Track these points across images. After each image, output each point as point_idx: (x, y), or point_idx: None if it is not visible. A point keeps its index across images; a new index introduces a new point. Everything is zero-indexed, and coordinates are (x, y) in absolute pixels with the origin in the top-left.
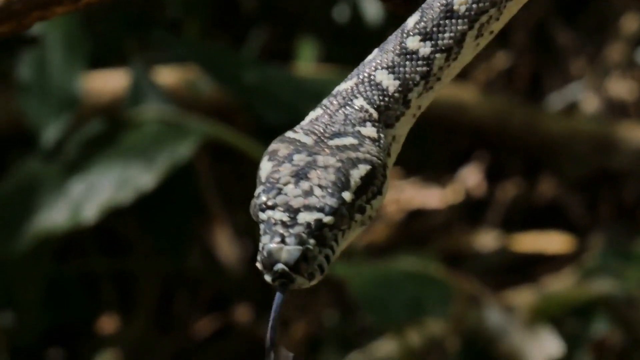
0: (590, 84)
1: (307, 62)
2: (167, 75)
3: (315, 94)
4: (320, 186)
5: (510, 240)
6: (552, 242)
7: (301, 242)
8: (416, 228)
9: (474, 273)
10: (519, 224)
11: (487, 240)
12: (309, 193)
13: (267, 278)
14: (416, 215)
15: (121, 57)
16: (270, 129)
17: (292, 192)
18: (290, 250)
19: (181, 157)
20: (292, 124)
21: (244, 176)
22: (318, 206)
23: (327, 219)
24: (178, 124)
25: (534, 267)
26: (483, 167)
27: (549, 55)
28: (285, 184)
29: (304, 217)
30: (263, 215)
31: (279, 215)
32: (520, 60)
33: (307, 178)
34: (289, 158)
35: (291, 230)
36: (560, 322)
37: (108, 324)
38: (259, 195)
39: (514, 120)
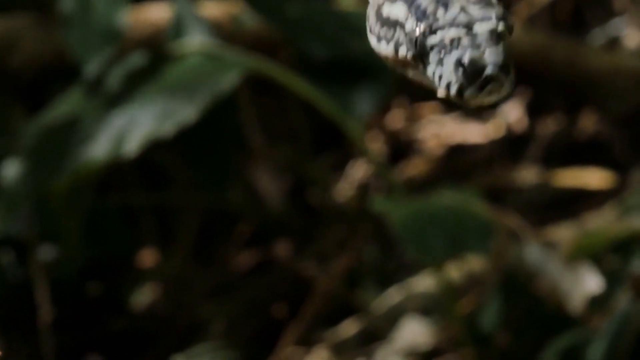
0: (633, 19)
1: None
2: (210, 8)
3: (358, 28)
4: (472, 3)
5: (551, 176)
6: (593, 178)
7: (498, 43)
8: (457, 163)
9: (515, 209)
10: (560, 160)
11: (528, 175)
12: (464, 10)
13: (470, 92)
14: (457, 150)
15: None
16: (312, 63)
17: (449, 14)
18: (495, 51)
19: (223, 91)
20: (335, 58)
21: (286, 111)
22: (486, 16)
23: (500, 26)
24: (221, 57)
25: (574, 203)
26: (524, 102)
27: None
28: (434, 11)
29: (480, 27)
30: (433, 39)
31: (453, 32)
32: None
33: (452, 2)
34: None
35: (479, 39)
36: (601, 258)
37: (148, 257)
38: (414, 26)
39: (556, 55)
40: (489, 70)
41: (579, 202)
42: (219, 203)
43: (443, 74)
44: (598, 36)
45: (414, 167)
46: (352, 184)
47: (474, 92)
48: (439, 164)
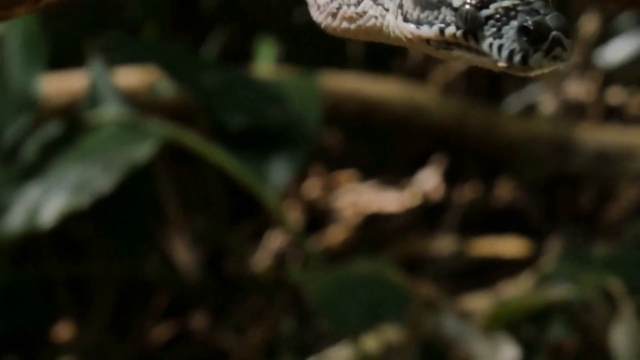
0: (549, 85)
1: (267, 63)
2: (126, 77)
3: (275, 96)
4: None
5: (467, 245)
6: (509, 246)
7: (555, 9)
8: (373, 232)
9: (431, 278)
10: (476, 228)
11: (444, 244)
12: None
13: (536, 58)
14: (374, 219)
15: (80, 58)
16: (229, 132)
17: None
18: (556, 16)
19: (139, 160)
20: (251, 126)
21: (203, 180)
22: None
23: None
24: (137, 127)
25: (491, 271)
26: (441, 170)
27: None
28: None
29: None
30: (487, 12)
31: (507, 2)
32: None
33: None
34: None
35: (535, 6)
36: (517, 327)
37: (64, 330)
38: (463, 4)
39: (472, 123)
40: (554, 34)
41: (496, 270)
42: (135, 273)
43: (504, 44)
44: (514, 103)
45: (331, 236)
46: (269, 254)
47: (541, 57)
48: (355, 232)
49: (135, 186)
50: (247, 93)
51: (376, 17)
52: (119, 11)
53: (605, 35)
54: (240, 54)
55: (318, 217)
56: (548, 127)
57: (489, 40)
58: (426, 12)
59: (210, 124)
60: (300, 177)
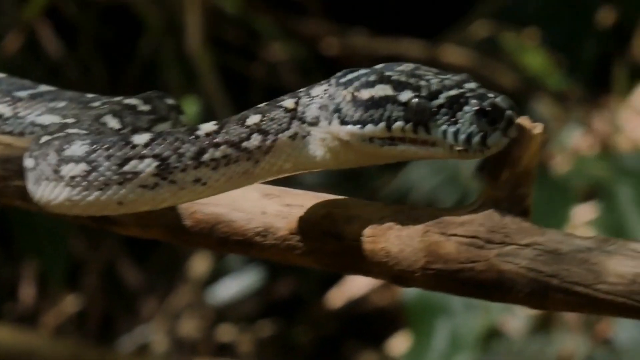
0: (161, 324)
1: None
2: None
3: None
4: (438, 73)
5: None
6: None
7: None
8: None
9: None
10: None
11: None
12: (441, 77)
13: (495, 137)
14: None
15: None
16: None
17: (434, 80)
18: (504, 97)
19: None
20: None
21: None
22: (465, 78)
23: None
24: None
25: None
26: None
27: (120, 297)
28: (418, 82)
29: (470, 85)
30: (437, 101)
31: (454, 91)
32: (91, 303)
33: (425, 74)
34: (386, 76)
35: (479, 92)
36: None
37: None
38: (413, 94)
39: None
40: (508, 113)
41: None
42: None
43: (460, 129)
44: (127, 343)
45: None
46: None
47: (498, 135)
48: None
49: None
50: None
51: (304, 136)
52: None
53: (216, 274)
54: None
55: None
56: None
57: (443, 127)
58: (370, 112)
59: None
60: None
